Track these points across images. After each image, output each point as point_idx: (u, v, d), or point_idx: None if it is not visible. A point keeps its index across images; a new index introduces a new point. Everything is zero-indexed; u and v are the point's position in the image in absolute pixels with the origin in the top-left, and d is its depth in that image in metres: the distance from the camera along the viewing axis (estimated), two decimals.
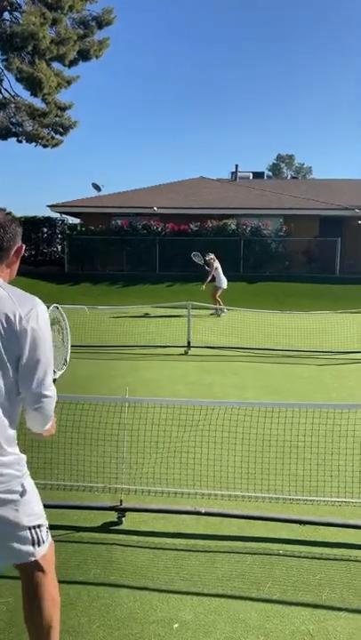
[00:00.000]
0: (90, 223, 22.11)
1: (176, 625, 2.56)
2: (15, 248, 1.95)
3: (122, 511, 3.48)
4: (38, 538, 1.90)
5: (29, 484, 1.91)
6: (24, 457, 1.90)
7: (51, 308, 2.55)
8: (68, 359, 2.61)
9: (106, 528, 3.43)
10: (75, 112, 26.12)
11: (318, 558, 3.12)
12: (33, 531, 1.89)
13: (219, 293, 14.37)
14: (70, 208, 23.58)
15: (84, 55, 23.58)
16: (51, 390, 1.85)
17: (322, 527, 3.41)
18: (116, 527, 3.44)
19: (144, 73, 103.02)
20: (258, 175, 33.07)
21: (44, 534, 1.94)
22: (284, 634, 2.51)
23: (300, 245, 21.30)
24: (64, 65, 23.39)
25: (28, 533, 1.87)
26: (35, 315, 1.77)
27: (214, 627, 2.55)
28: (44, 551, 1.93)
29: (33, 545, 1.89)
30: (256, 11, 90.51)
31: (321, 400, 6.45)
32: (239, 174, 29.60)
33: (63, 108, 24.46)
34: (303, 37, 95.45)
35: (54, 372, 2.39)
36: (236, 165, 29.55)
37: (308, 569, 3.01)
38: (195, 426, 4.48)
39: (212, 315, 13.72)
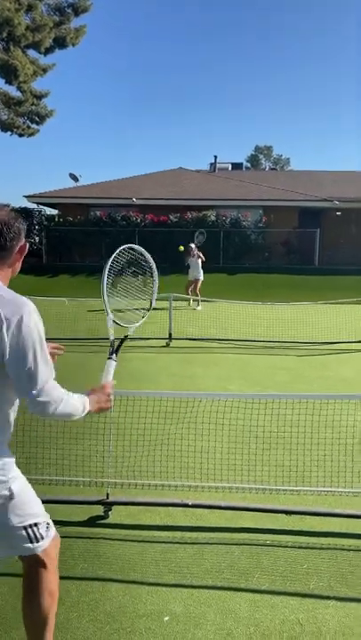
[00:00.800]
0: (68, 214, 21.84)
1: (166, 618, 2.55)
2: (18, 247, 1.90)
3: (108, 505, 3.46)
4: (35, 535, 1.90)
5: (19, 486, 1.87)
6: (11, 460, 1.87)
7: (117, 251, 2.50)
8: (153, 302, 2.52)
9: (92, 522, 3.40)
10: (51, 101, 25.64)
11: (305, 548, 3.15)
12: (29, 529, 1.89)
13: (199, 286, 14.33)
14: (48, 199, 23.25)
15: (60, 42, 23.18)
16: (44, 396, 1.75)
17: (308, 517, 3.44)
18: (102, 521, 3.42)
19: (122, 62, 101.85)
20: (237, 166, 33.11)
21: (43, 531, 1.93)
22: (274, 623, 2.52)
23: (280, 237, 21.41)
24: (40, 52, 22.97)
25: (23, 532, 1.88)
26: (18, 320, 1.69)
27: (205, 618, 2.55)
28: (45, 546, 1.94)
29: (31, 542, 1.90)
30: (236, 1, 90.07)
31: (303, 391, 6.51)
32: (218, 165, 29.57)
33: (39, 97, 24.03)
34: (284, 29, 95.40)
35: (127, 327, 2.41)
36: (215, 156, 29.55)
37: (295, 558, 3.04)
38: (180, 418, 4.47)
39: (192, 309, 13.62)
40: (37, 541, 1.91)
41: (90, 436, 4.02)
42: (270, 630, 2.48)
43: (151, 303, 2.56)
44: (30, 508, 1.91)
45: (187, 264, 14.45)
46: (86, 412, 1.93)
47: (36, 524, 1.90)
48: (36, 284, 17.55)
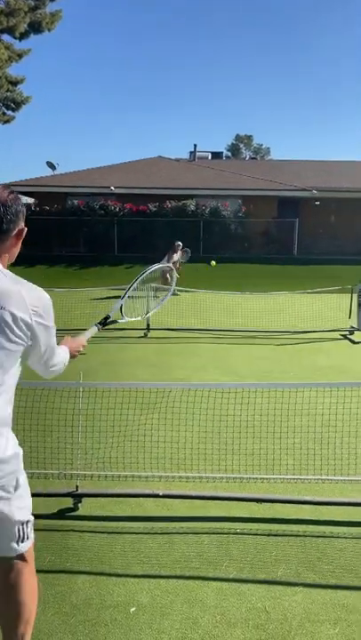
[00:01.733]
0: (45, 203, 21.53)
1: (133, 608, 2.54)
2: (16, 230, 1.81)
3: (78, 497, 3.43)
4: (24, 535, 1.87)
5: (24, 477, 1.86)
6: (21, 450, 1.84)
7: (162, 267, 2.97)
8: (149, 315, 2.94)
9: (62, 514, 3.38)
10: (27, 87, 25.23)
11: (275, 535, 3.17)
12: (21, 527, 1.84)
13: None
14: (24, 187, 22.81)
15: (35, 27, 22.70)
16: (58, 365, 1.96)
17: (278, 504, 3.46)
18: (72, 513, 3.39)
19: (99, 48, 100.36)
20: (216, 155, 32.99)
21: (29, 531, 1.90)
22: (240, 611, 2.53)
23: (259, 227, 21.43)
24: (14, 37, 22.46)
25: (15, 530, 1.82)
26: (43, 305, 1.78)
27: (171, 608, 2.55)
28: (29, 545, 1.92)
29: (17, 542, 1.85)
30: None
31: (279, 379, 6.53)
32: (198, 154, 29.41)
33: (14, 83, 23.56)
34: (264, 17, 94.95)
35: (122, 316, 2.60)
36: (195, 145, 29.34)
37: (264, 546, 3.05)
38: (152, 408, 4.45)
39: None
40: (22, 541, 1.86)
41: (59, 428, 3.98)
42: (236, 618, 2.48)
43: (148, 312, 2.91)
44: (27, 499, 1.89)
45: (171, 259, 14.47)
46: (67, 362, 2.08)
47: (27, 522, 1.88)
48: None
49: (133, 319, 2.70)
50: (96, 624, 2.44)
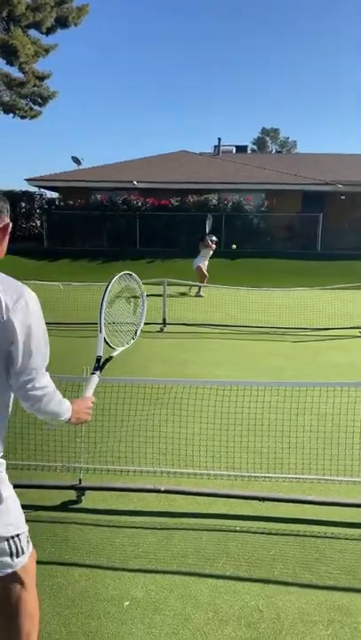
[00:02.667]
0: (69, 197, 21.71)
1: (127, 603, 2.57)
2: (1, 226, 1.77)
3: (81, 490, 3.47)
4: (17, 548, 1.74)
5: (7, 490, 1.75)
6: (3, 462, 1.76)
7: (118, 275, 2.44)
8: (138, 332, 2.48)
9: (64, 507, 3.43)
10: (54, 82, 25.42)
11: (274, 534, 3.15)
12: (11, 541, 1.72)
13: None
14: (49, 182, 23.12)
15: (62, 22, 22.82)
16: (44, 388, 1.70)
17: (280, 503, 3.44)
18: (75, 506, 3.44)
19: (125, 43, 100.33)
20: (241, 149, 32.72)
21: (25, 543, 1.77)
22: (233, 609, 2.53)
23: (282, 221, 21.19)
24: (41, 32, 22.63)
25: (5, 545, 1.70)
26: (24, 304, 1.63)
27: (165, 603, 2.56)
28: (24, 562, 1.77)
29: (11, 556, 1.72)
30: None
31: (293, 376, 6.48)
32: (222, 148, 29.21)
33: (41, 78, 23.75)
34: (291, 9, 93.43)
35: (114, 348, 2.33)
36: (219, 139, 29.15)
37: (263, 545, 3.04)
38: (159, 404, 4.46)
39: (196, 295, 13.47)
40: (17, 556, 1.73)
41: None
42: (229, 616, 2.48)
43: (137, 333, 2.51)
44: (15, 516, 1.75)
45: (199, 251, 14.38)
46: (68, 417, 1.84)
47: (18, 536, 1.74)
48: (37, 268, 17.53)
49: (127, 346, 2.43)
50: (89, 617, 2.47)
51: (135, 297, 2.60)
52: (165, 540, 3.09)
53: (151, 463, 3.83)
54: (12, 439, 3.90)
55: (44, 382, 1.71)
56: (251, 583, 2.71)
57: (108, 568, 2.82)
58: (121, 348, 2.37)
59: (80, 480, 3.50)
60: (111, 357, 2.29)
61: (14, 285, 1.66)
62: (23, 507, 3.39)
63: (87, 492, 3.51)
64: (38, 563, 2.81)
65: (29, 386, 1.67)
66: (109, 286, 2.38)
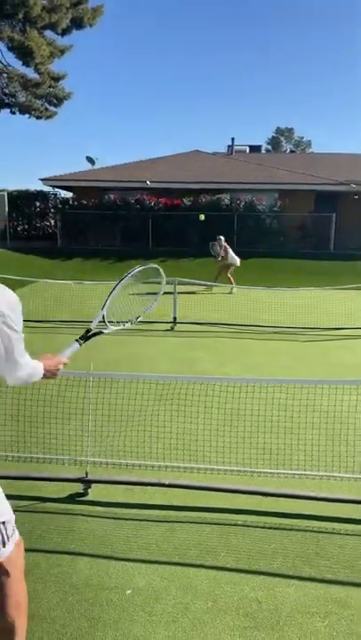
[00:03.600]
0: (83, 197, 21.88)
1: (129, 591, 2.64)
2: None
3: (87, 483, 3.55)
4: (2, 536, 1.77)
5: None
6: None
7: (148, 265, 2.57)
8: (135, 321, 2.57)
9: (72, 499, 3.51)
10: (69, 83, 25.69)
11: (276, 528, 3.20)
12: None
13: (231, 270, 14.36)
14: (63, 182, 23.30)
15: (77, 23, 23.00)
16: (24, 368, 1.90)
17: (282, 499, 3.48)
18: (81, 498, 3.52)
19: (140, 44, 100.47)
20: (255, 149, 32.64)
21: (10, 531, 1.80)
22: (232, 600, 2.59)
23: (295, 221, 21.14)
24: (57, 33, 22.82)
25: None
26: (5, 304, 1.75)
27: (166, 592, 2.63)
28: (9, 551, 1.80)
29: None
30: None
31: (303, 376, 6.51)
32: (236, 148, 29.19)
33: (57, 79, 23.96)
34: (306, 8, 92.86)
35: (106, 325, 2.44)
36: (233, 139, 29.13)
37: (264, 539, 3.10)
38: (168, 400, 4.53)
39: (228, 293, 13.52)
40: (3, 545, 1.76)
41: (76, 416, 4.11)
42: (228, 606, 2.54)
43: (136, 319, 2.60)
44: (1, 504, 1.80)
45: (219, 255, 14.47)
46: (39, 378, 2.03)
47: (3, 523, 1.77)
48: (50, 267, 17.71)
49: (120, 327, 2.50)
50: (92, 604, 2.55)
51: (153, 292, 2.65)
52: (168, 532, 3.16)
53: (156, 458, 3.90)
54: (20, 432, 4.01)
55: (28, 364, 1.91)
56: (251, 575, 2.77)
57: (111, 558, 2.89)
58: (113, 328, 2.45)
59: (86, 473, 3.58)
60: (101, 333, 2.37)
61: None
62: (31, 498, 3.51)
63: (93, 485, 3.59)
64: (45, 552, 2.92)
65: (18, 372, 1.88)
66: (135, 271, 2.48)
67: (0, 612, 1.85)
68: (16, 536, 1.85)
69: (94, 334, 2.35)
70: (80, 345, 2.29)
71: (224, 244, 14.59)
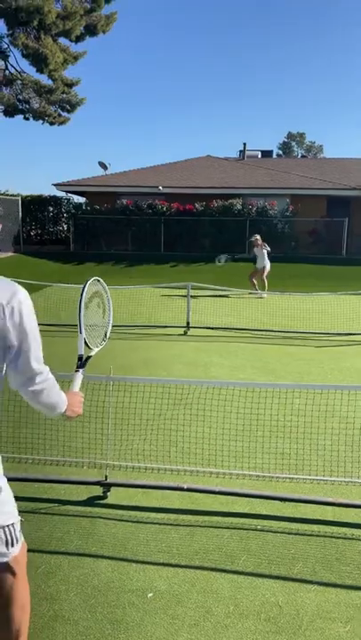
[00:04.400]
0: (95, 202, 22.04)
1: (150, 594, 2.66)
2: None
3: (107, 486, 3.58)
4: (12, 537, 1.78)
5: (2, 480, 1.79)
6: None
7: (90, 280, 2.53)
8: (108, 334, 2.58)
9: (91, 502, 3.54)
10: (82, 89, 26.01)
11: (295, 534, 3.21)
12: (7, 529, 1.76)
13: (266, 274, 14.29)
14: (76, 187, 23.49)
15: (90, 30, 23.23)
16: (43, 381, 1.79)
17: (301, 504, 3.49)
18: (100, 501, 3.55)
19: (152, 50, 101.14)
20: (266, 154, 32.67)
21: (18, 533, 1.81)
22: (253, 604, 2.60)
23: (307, 226, 21.12)
24: (70, 40, 23.07)
25: (1, 533, 1.74)
26: (17, 302, 1.69)
27: (187, 596, 2.65)
28: (17, 552, 1.82)
29: (6, 545, 1.76)
30: None
31: (317, 381, 6.50)
32: (247, 153, 29.22)
33: (70, 85, 24.20)
34: (317, 13, 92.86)
35: (90, 348, 2.41)
36: (244, 144, 29.15)
37: (283, 544, 3.10)
38: (185, 405, 4.55)
39: (259, 297, 13.48)
40: (12, 545, 1.78)
41: (95, 419, 4.14)
42: (249, 610, 2.55)
43: (106, 335, 2.61)
44: (9, 505, 1.79)
45: (253, 255, 14.49)
46: (64, 409, 1.90)
47: (13, 524, 1.78)
48: (63, 271, 17.82)
49: (100, 347, 2.51)
50: (114, 606, 2.57)
51: (103, 302, 2.66)
52: (188, 536, 3.17)
53: (175, 462, 3.92)
54: (41, 435, 4.06)
55: (45, 375, 1.79)
56: (271, 580, 2.78)
57: (132, 561, 2.92)
58: (96, 349, 2.45)
59: (106, 476, 3.61)
60: (90, 357, 2.36)
61: (6, 284, 1.71)
62: (51, 500, 3.55)
63: (113, 489, 3.61)
64: (66, 554, 2.95)
65: (33, 380, 1.76)
66: (84, 291, 2.43)
67: (5, 612, 1.86)
68: (22, 537, 1.86)
69: (87, 358, 2.34)
70: (83, 374, 2.26)
71: (262, 243, 14.43)
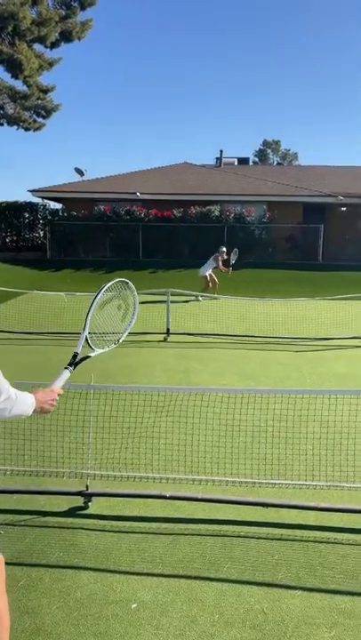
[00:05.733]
0: (72, 208, 21.93)
1: (134, 605, 2.62)
2: None
3: (88, 496, 3.53)
4: None
5: None
6: None
7: (114, 281, 2.51)
8: (120, 340, 2.54)
9: (72, 513, 3.48)
10: (57, 95, 25.93)
11: (278, 539, 3.21)
12: None
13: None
14: (52, 193, 23.34)
15: (66, 36, 23.17)
16: (4, 400, 1.81)
17: (284, 509, 3.49)
18: (82, 512, 3.49)
19: (128, 56, 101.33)
20: (243, 161, 32.98)
21: None
22: (238, 612, 2.59)
23: (284, 232, 21.36)
24: (45, 46, 22.98)
25: None
26: None
27: (172, 606, 2.62)
28: None
29: None
30: None
31: (296, 386, 6.55)
32: (224, 160, 29.45)
33: (45, 91, 24.09)
34: (289, 23, 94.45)
35: (93, 349, 2.38)
36: (221, 151, 29.39)
37: (267, 550, 3.10)
38: (165, 412, 4.53)
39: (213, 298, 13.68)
40: None
41: (75, 428, 4.09)
42: (234, 618, 2.54)
43: (119, 340, 2.57)
44: None
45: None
46: (31, 412, 1.94)
47: None
48: (40, 278, 17.64)
49: (107, 349, 2.47)
50: (98, 618, 2.53)
51: (127, 306, 2.64)
52: (171, 544, 3.14)
53: (157, 469, 3.90)
54: (20, 445, 3.98)
55: (4, 395, 1.80)
56: (255, 587, 2.77)
57: (115, 572, 2.88)
58: (100, 351, 2.42)
59: (87, 486, 3.56)
60: (88, 357, 2.34)
61: None
62: (31, 512, 3.48)
63: (94, 499, 3.57)
64: (47, 566, 2.90)
65: None
66: (103, 290, 2.44)
67: None
68: None
69: (83, 358, 2.31)
70: (70, 372, 2.23)
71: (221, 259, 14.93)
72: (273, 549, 3.10)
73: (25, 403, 1.89)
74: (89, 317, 2.37)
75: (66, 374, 2.20)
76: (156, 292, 10.78)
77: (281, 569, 2.91)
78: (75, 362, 2.27)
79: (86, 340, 2.36)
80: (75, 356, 2.28)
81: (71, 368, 2.24)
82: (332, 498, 3.69)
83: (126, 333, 2.60)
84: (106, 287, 2.47)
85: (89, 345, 2.38)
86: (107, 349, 2.47)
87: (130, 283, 2.65)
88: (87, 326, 2.36)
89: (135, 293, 2.68)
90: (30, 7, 21.22)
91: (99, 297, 2.42)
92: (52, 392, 2.07)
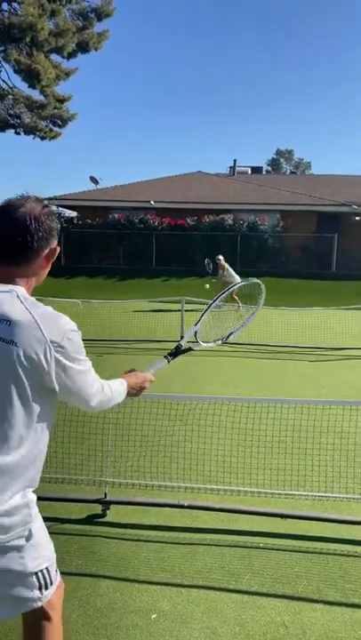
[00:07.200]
0: (87, 216, 22.11)
1: (154, 615, 2.61)
2: (48, 250, 1.63)
3: (106, 504, 3.53)
4: (45, 581, 1.65)
5: (38, 525, 1.66)
6: (34, 497, 1.66)
7: (254, 281, 2.54)
8: (229, 338, 2.53)
9: (90, 520, 3.48)
10: (73, 104, 26.28)
11: (297, 551, 3.18)
12: (40, 574, 1.64)
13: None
14: (67, 201, 23.55)
15: (82, 47, 23.47)
16: (98, 402, 1.74)
17: (302, 521, 3.46)
18: (100, 519, 3.49)
19: (144, 66, 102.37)
20: (256, 170, 33.07)
21: (53, 574, 1.69)
22: (259, 624, 2.56)
23: (297, 241, 21.32)
24: (63, 57, 23.29)
25: (34, 578, 1.62)
26: (67, 341, 1.56)
27: (192, 617, 2.60)
28: (50, 595, 1.69)
29: (40, 589, 1.64)
30: (257, 4, 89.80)
31: (312, 396, 6.50)
32: (238, 169, 29.56)
33: (62, 100, 24.37)
34: (303, 31, 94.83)
35: (197, 342, 2.36)
36: (235, 160, 29.53)
37: (286, 561, 3.07)
38: (182, 420, 4.52)
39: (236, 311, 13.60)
40: (46, 588, 1.65)
41: (93, 436, 4.10)
42: (255, 631, 2.52)
43: (228, 337, 2.56)
44: (43, 549, 1.67)
45: (220, 275, 14.51)
46: (124, 399, 1.93)
47: (47, 568, 1.66)
48: (54, 286, 17.76)
49: (211, 344, 2.42)
50: (117, 628, 2.52)
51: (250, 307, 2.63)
52: (190, 554, 3.13)
53: (175, 479, 3.88)
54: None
55: (100, 395, 1.74)
56: (276, 599, 2.74)
57: (134, 581, 2.87)
58: (205, 345, 2.39)
59: (105, 494, 3.56)
60: (190, 349, 2.31)
61: (55, 321, 1.59)
62: (49, 519, 3.48)
63: (112, 506, 3.57)
64: (66, 574, 2.88)
65: (91, 406, 1.74)
66: (238, 284, 2.50)
67: None
68: (58, 577, 1.74)
69: (184, 351, 2.28)
70: (168, 362, 2.23)
71: (224, 263, 14.63)
72: (292, 561, 3.07)
73: (119, 391, 1.88)
74: (208, 310, 2.37)
75: (163, 362, 2.21)
76: (171, 300, 10.81)
77: (301, 581, 2.88)
78: (176, 352, 2.25)
79: (195, 333, 2.34)
80: (177, 347, 2.26)
81: (170, 358, 2.23)
82: (351, 510, 3.65)
83: (235, 334, 2.60)
84: (243, 284, 2.54)
85: (196, 339, 2.36)
86: (211, 345, 2.43)
87: (263, 286, 2.64)
88: (201, 320, 2.35)
89: (261, 301, 2.69)
90: (48, 18, 21.53)
91: (222, 296, 2.45)
92: (143, 376, 2.07)
